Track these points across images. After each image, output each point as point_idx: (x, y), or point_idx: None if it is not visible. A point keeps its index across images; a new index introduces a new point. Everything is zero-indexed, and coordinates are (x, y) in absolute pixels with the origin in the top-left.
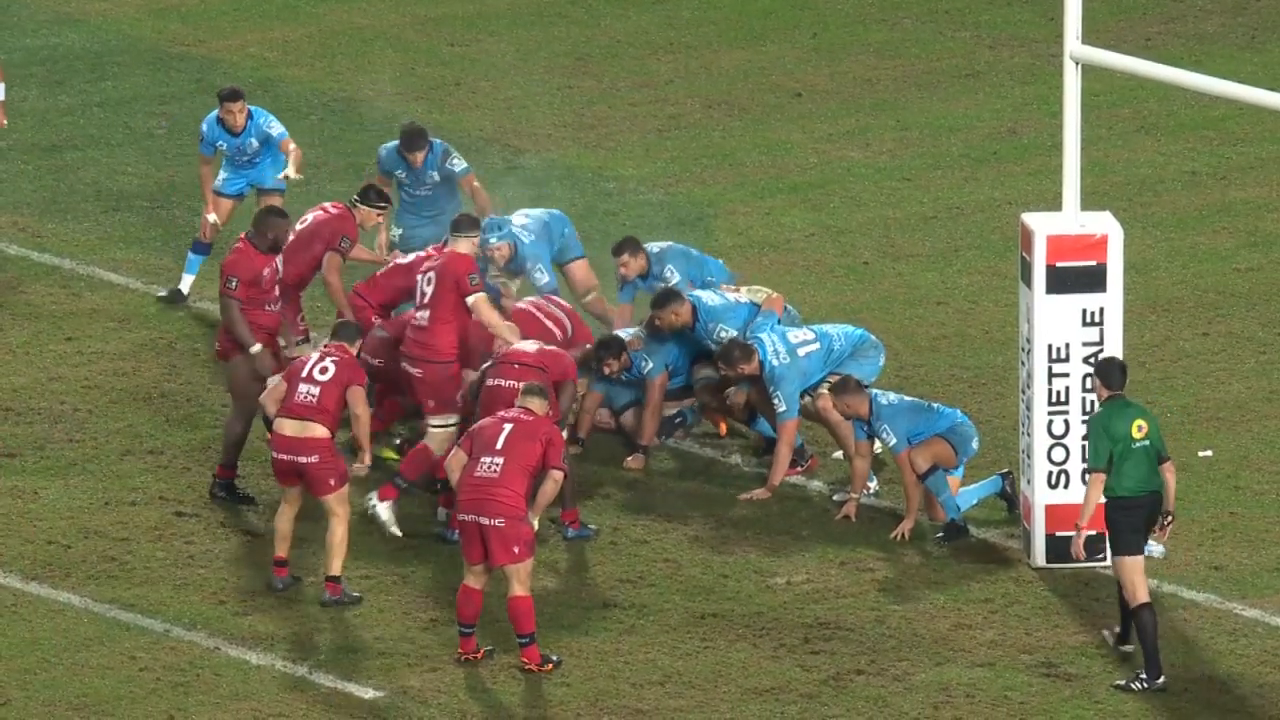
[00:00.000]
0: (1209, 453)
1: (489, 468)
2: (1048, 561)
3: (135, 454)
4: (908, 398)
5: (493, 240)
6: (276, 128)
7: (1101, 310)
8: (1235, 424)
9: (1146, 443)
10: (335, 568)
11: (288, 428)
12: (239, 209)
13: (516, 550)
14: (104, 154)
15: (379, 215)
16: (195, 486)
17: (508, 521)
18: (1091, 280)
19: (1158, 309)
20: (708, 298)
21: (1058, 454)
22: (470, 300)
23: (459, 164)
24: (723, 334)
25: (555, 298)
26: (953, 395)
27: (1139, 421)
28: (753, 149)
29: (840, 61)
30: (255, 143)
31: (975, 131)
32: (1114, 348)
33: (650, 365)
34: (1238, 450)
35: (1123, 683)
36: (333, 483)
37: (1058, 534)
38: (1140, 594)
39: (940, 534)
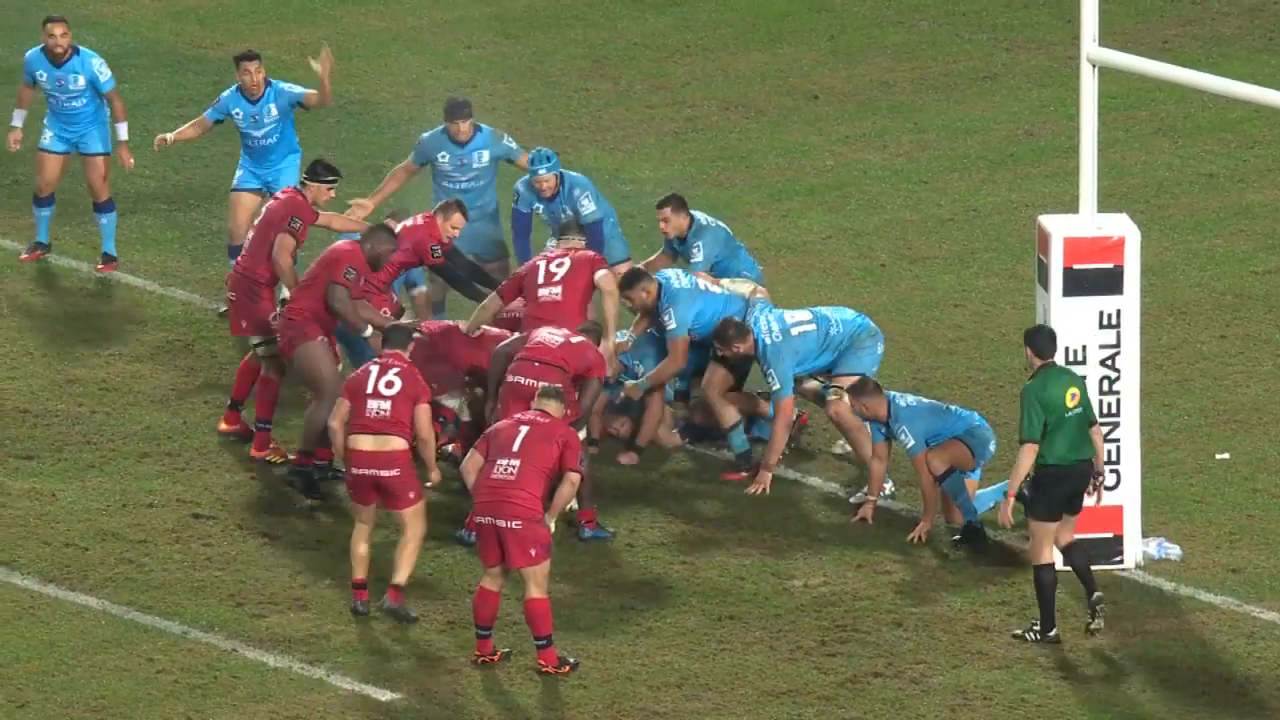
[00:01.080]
0: (1226, 455)
1: (505, 470)
2: (1065, 564)
3: (153, 456)
4: (926, 399)
5: (541, 170)
6: (298, 89)
7: (1118, 312)
8: (1253, 426)
9: (1080, 410)
10: (402, 577)
11: (366, 443)
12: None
13: (533, 552)
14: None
15: (329, 189)
16: (213, 488)
17: (524, 524)
18: (1108, 282)
19: (1175, 311)
20: (675, 280)
21: None
22: (600, 274)
23: (515, 144)
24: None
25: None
26: (969, 397)
27: (1073, 389)
28: (770, 151)
29: (857, 64)
30: (274, 110)
31: (992, 134)
32: (1131, 350)
33: (643, 367)
34: (1255, 452)
35: (1019, 633)
36: (411, 496)
37: (1076, 536)
38: (1045, 556)
39: (957, 536)
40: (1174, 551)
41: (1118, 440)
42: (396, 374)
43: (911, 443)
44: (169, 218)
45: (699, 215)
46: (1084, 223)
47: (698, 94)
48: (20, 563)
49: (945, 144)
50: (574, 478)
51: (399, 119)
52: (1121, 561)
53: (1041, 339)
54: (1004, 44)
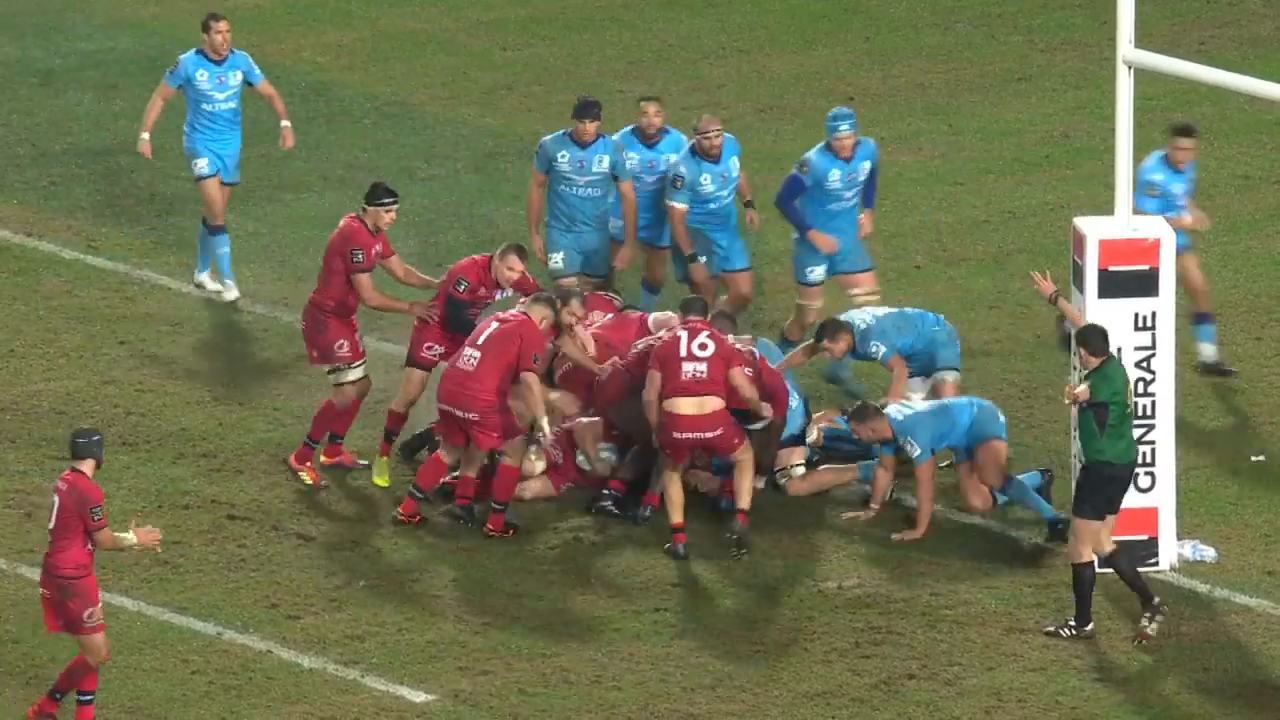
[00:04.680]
0: (1262, 457)
1: (467, 361)
2: (1100, 566)
3: (188, 457)
4: (921, 405)
5: (843, 127)
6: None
7: (1153, 314)
8: None
9: (1132, 406)
10: (746, 502)
11: (686, 406)
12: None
13: (497, 435)
14: (157, 158)
15: (388, 212)
16: (247, 490)
17: (482, 414)
18: (1143, 284)
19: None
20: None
21: None
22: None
23: (626, 163)
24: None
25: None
26: (1005, 400)
27: (1130, 385)
28: (804, 153)
29: (892, 66)
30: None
31: (1027, 136)
32: (1166, 352)
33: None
34: None
35: (1052, 629)
36: (736, 442)
37: (1111, 538)
38: (1086, 555)
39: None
40: (1209, 554)
41: (1153, 442)
42: (708, 337)
43: (918, 452)
44: None
45: None
46: (1119, 225)
47: (733, 95)
48: None
49: (980, 146)
50: (527, 378)
51: (435, 120)
52: (1156, 563)
53: (1095, 337)
54: (1039, 46)
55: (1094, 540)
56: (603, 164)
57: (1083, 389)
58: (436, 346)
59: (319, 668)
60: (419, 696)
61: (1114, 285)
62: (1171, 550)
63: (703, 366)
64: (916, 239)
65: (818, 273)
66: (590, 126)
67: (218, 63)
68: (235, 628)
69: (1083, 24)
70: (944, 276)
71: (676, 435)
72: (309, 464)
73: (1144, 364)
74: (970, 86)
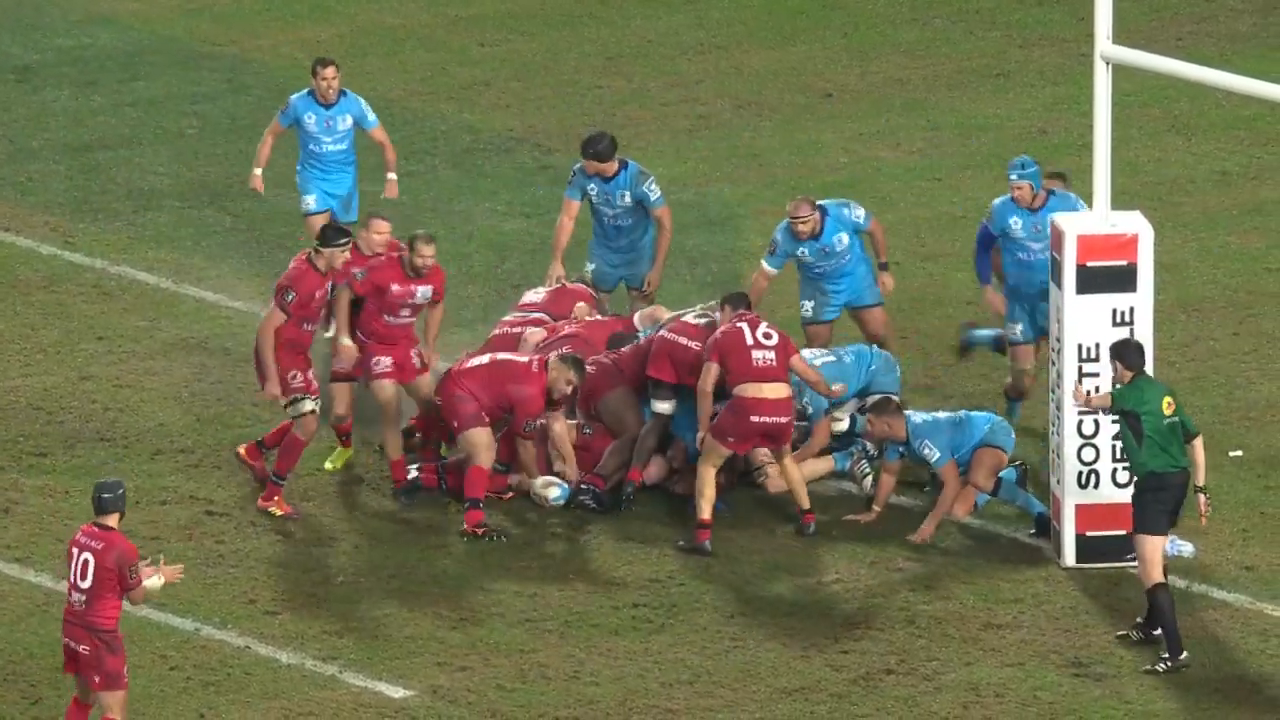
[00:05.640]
0: (1239, 453)
1: (469, 363)
2: (1078, 562)
3: (166, 453)
4: (942, 414)
5: (1012, 177)
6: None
7: (1132, 310)
8: (1266, 424)
9: (1176, 419)
10: (805, 500)
11: (768, 391)
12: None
13: (456, 422)
14: (135, 154)
15: (343, 253)
16: (225, 485)
17: (443, 400)
18: (1122, 280)
19: (1188, 309)
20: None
21: (1087, 454)
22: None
23: (655, 192)
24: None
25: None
26: (983, 395)
27: (1168, 398)
28: (783, 149)
29: (871, 61)
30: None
31: (1005, 131)
32: (1144, 348)
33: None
34: (1268, 450)
35: (1149, 667)
36: (792, 433)
37: (1088, 534)
38: (1156, 574)
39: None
40: (1187, 549)
41: None
42: (769, 326)
43: (936, 455)
44: (182, 215)
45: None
46: (1097, 220)
47: (711, 91)
48: (34, 560)
49: (958, 141)
50: (520, 443)
51: (413, 116)
52: (1134, 559)
53: (1129, 351)
54: (1018, 41)
55: (1161, 557)
56: (625, 199)
57: (1098, 397)
58: (384, 359)
59: (297, 663)
60: (397, 692)
61: (1092, 280)
62: None
63: (770, 354)
64: (894, 234)
65: (1015, 330)
66: (593, 167)
67: (326, 107)
68: (213, 624)
69: (1061, 20)
70: (922, 272)
71: (755, 419)
72: (277, 498)
73: None
74: (948, 82)
